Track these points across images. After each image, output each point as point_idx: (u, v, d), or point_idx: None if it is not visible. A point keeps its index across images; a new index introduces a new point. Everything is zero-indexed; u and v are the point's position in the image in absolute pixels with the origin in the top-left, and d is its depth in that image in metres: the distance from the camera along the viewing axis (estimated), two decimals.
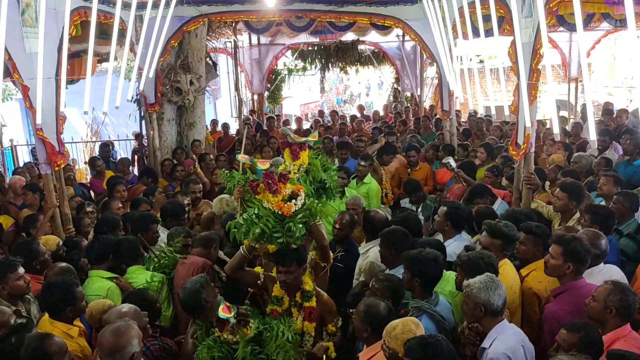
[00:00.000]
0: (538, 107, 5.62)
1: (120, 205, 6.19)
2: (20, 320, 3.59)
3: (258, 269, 4.15)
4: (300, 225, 3.61)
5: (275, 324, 3.61)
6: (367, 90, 25.99)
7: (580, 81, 13.88)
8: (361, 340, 3.55)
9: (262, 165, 3.67)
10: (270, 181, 3.56)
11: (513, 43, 5.23)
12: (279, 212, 3.57)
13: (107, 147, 11.03)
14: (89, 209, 6.14)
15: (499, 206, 5.64)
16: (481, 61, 13.59)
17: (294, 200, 3.60)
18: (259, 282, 4.01)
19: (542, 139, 8.79)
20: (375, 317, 3.36)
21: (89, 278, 4.48)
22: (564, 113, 14.06)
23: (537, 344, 3.50)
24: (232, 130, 12.55)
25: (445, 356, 2.80)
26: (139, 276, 4.56)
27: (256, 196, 3.68)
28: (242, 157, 3.95)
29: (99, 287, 4.33)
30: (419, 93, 14.06)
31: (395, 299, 3.85)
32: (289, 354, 3.61)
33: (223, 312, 3.42)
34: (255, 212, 3.66)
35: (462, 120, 12.44)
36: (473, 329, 3.51)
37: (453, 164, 6.86)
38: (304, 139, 4.00)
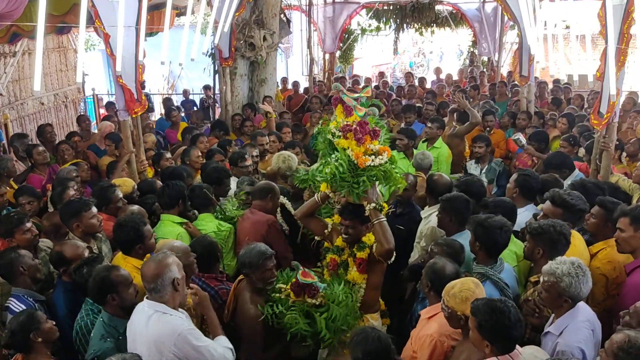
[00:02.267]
0: (625, 75, 5.26)
1: (199, 154, 6.36)
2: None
3: (328, 220, 4.21)
4: (366, 181, 3.60)
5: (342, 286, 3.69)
6: (440, 57, 25.20)
7: None
8: (425, 294, 3.55)
9: (360, 112, 3.68)
10: (359, 128, 3.57)
11: (603, 4, 4.89)
12: (355, 162, 3.59)
13: (170, 102, 11.44)
14: (167, 155, 6.38)
15: (574, 177, 5.36)
16: (567, 27, 12.84)
17: (372, 157, 3.59)
18: (325, 231, 4.08)
19: (624, 109, 8.27)
20: (436, 275, 3.35)
21: (161, 221, 4.66)
22: None
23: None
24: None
25: (513, 324, 2.71)
26: (208, 224, 4.69)
27: (344, 140, 3.69)
28: (347, 100, 3.92)
29: (170, 231, 4.49)
30: (496, 58, 13.53)
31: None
32: (356, 314, 3.71)
33: (304, 277, 3.48)
34: (336, 155, 3.72)
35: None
36: (530, 304, 3.41)
37: (523, 140, 6.59)
38: (356, 94, 3.95)
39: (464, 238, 3.92)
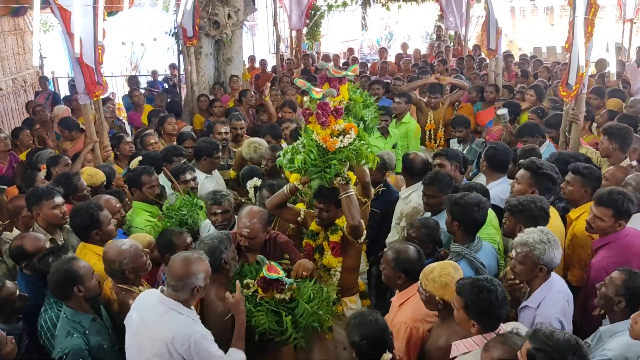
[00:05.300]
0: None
1: (154, 140, 6.16)
2: None
3: (300, 205, 4.13)
4: (338, 164, 3.50)
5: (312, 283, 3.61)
6: (407, 39, 25.07)
7: (635, 22, 13.09)
8: (395, 287, 3.48)
9: (317, 94, 3.54)
10: (320, 112, 3.44)
11: None
12: (324, 146, 3.49)
13: (135, 79, 11.13)
14: (127, 139, 6.17)
15: (547, 149, 5.40)
16: None
17: (341, 137, 3.49)
18: (299, 218, 4.00)
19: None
20: (408, 263, 3.30)
21: (132, 209, 4.55)
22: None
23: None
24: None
25: (500, 302, 2.70)
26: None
27: (307, 125, 3.59)
28: (300, 82, 3.80)
29: (139, 221, 4.41)
30: (463, 32, 13.51)
31: (435, 244, 3.82)
32: (329, 309, 3.63)
33: (270, 271, 3.35)
34: (303, 141, 3.61)
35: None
36: (506, 281, 3.39)
37: (507, 116, 6.53)
38: (343, 72, 3.84)
39: None
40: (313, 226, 3.92)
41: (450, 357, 2.80)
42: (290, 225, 4.28)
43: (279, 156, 3.99)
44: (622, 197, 3.43)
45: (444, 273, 2.96)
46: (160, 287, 3.00)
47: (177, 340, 2.82)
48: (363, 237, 3.78)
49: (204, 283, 2.95)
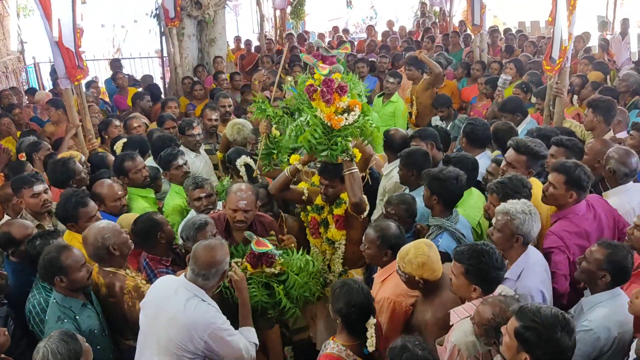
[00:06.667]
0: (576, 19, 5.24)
1: (138, 124, 6.09)
2: None
3: (302, 184, 4.18)
4: (344, 142, 3.53)
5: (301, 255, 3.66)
6: (395, 19, 24.82)
7: None
8: (379, 265, 3.48)
9: (323, 70, 3.53)
10: (326, 89, 3.44)
11: None
12: (328, 124, 3.50)
13: (118, 62, 10.99)
14: (116, 122, 6.10)
15: (528, 125, 5.39)
16: None
17: (345, 115, 3.50)
18: (303, 197, 4.06)
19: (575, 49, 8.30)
20: (394, 238, 3.32)
21: (127, 196, 4.47)
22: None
23: None
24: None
25: (500, 265, 2.78)
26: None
27: (311, 102, 3.59)
28: (306, 58, 3.77)
29: (137, 206, 4.38)
30: (448, 8, 13.42)
31: (413, 219, 3.86)
32: (319, 281, 3.71)
33: (258, 246, 3.39)
34: (307, 119, 3.61)
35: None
36: None
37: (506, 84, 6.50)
38: (336, 50, 3.84)
39: None
40: (318, 200, 3.97)
41: (450, 323, 2.83)
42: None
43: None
44: (577, 166, 3.45)
45: (419, 253, 2.98)
46: (185, 273, 3.02)
47: (199, 325, 2.87)
48: (366, 213, 3.84)
49: (227, 267, 3.03)
